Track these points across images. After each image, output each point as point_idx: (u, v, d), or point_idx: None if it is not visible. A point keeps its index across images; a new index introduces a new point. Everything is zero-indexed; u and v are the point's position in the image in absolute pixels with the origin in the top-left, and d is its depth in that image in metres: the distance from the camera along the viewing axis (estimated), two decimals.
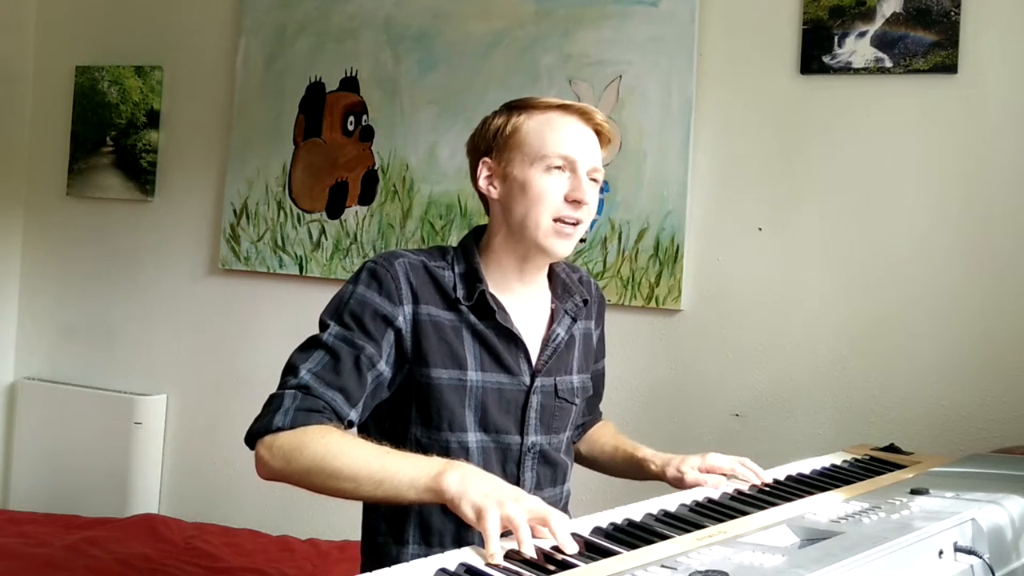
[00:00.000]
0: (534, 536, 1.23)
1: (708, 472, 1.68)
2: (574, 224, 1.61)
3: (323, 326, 1.57)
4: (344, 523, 2.99)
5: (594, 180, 1.63)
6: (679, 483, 1.68)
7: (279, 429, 1.44)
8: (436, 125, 3.00)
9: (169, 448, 3.42)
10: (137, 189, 3.49)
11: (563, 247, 1.62)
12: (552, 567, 1.18)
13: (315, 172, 3.18)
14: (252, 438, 1.48)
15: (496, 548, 1.20)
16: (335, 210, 3.14)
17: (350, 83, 3.14)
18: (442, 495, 1.32)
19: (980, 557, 1.27)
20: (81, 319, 3.59)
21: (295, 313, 3.22)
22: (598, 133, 1.65)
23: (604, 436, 1.92)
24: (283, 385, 1.51)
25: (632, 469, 1.82)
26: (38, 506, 3.39)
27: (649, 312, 2.72)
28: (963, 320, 2.43)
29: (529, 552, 1.20)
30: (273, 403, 1.48)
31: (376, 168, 3.09)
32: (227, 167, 3.32)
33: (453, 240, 2.95)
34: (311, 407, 1.47)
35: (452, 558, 1.19)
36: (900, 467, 1.86)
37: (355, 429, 1.57)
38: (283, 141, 3.23)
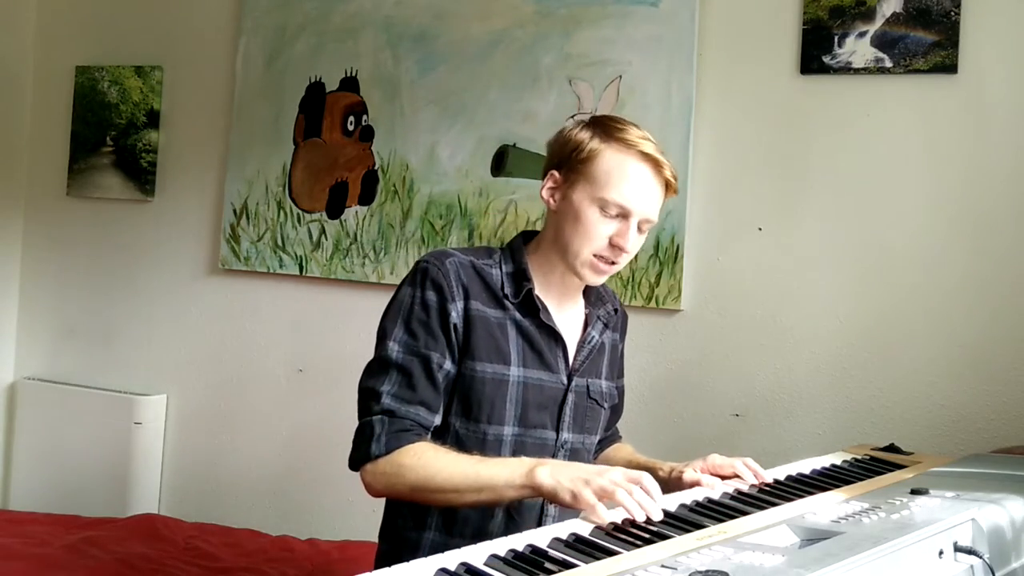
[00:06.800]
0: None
1: (708, 472, 1.68)
2: (611, 262, 1.67)
3: (387, 334, 1.64)
4: (344, 523, 2.99)
5: (642, 229, 1.67)
6: (677, 484, 1.69)
7: (377, 456, 1.56)
8: (436, 125, 3.00)
9: (169, 448, 3.42)
10: (137, 189, 3.49)
11: (596, 279, 1.71)
12: (553, 567, 1.18)
13: (315, 172, 3.18)
14: (354, 464, 1.61)
15: (602, 514, 1.35)
16: (335, 210, 3.15)
17: (350, 83, 3.14)
18: (539, 489, 1.46)
19: (980, 557, 1.27)
20: (81, 319, 3.59)
21: (295, 313, 3.23)
22: (666, 185, 1.68)
23: (621, 453, 1.94)
24: (368, 411, 1.61)
25: None
26: (38, 506, 3.39)
27: (649, 312, 2.72)
28: (963, 320, 2.43)
29: (636, 512, 1.35)
30: (365, 431, 1.59)
31: (376, 168, 3.09)
32: (227, 167, 3.32)
33: (453, 239, 2.95)
34: (400, 428, 1.58)
35: (452, 558, 1.19)
36: (900, 467, 1.86)
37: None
38: (283, 141, 3.23)
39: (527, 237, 1.79)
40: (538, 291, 1.70)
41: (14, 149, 3.68)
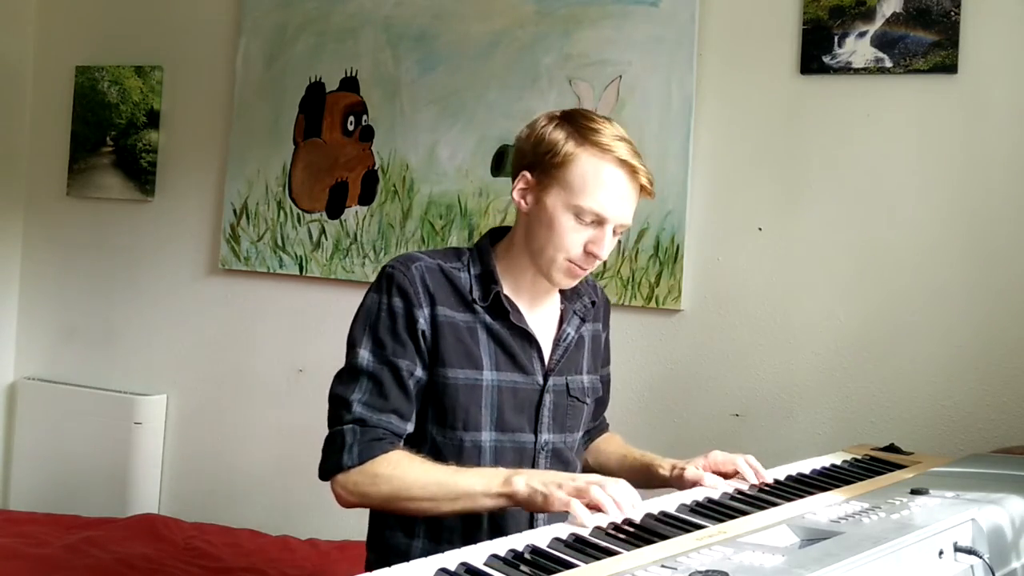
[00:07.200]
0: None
1: (710, 469, 1.67)
2: (583, 268, 1.66)
3: (356, 342, 1.62)
4: (344, 523, 2.98)
5: (616, 232, 1.65)
6: (679, 482, 1.68)
7: (349, 467, 1.55)
8: (436, 125, 3.00)
9: (169, 448, 3.42)
10: (137, 189, 3.49)
11: (568, 284, 1.69)
12: (553, 567, 1.18)
13: (315, 172, 3.18)
14: (325, 474, 1.59)
15: (578, 510, 1.35)
16: (335, 210, 3.14)
17: (350, 83, 3.14)
18: (515, 496, 1.47)
19: (980, 557, 1.27)
20: (81, 319, 3.59)
21: (295, 313, 3.23)
22: (640, 188, 1.64)
23: (612, 446, 1.92)
24: (339, 420, 1.59)
25: (641, 475, 1.80)
26: (38, 506, 3.39)
27: (649, 312, 2.72)
28: (963, 319, 2.43)
29: (611, 509, 1.36)
30: (336, 441, 1.57)
31: (376, 168, 3.09)
32: (227, 167, 3.32)
33: (453, 240, 2.95)
34: (372, 437, 1.56)
35: (452, 558, 1.19)
36: (900, 467, 1.86)
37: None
38: (283, 141, 3.23)
39: (495, 235, 1.75)
40: (508, 291, 1.67)
41: (14, 149, 3.68)
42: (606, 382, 1.91)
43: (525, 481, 1.46)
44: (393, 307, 1.61)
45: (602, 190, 1.59)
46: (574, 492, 1.39)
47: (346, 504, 1.59)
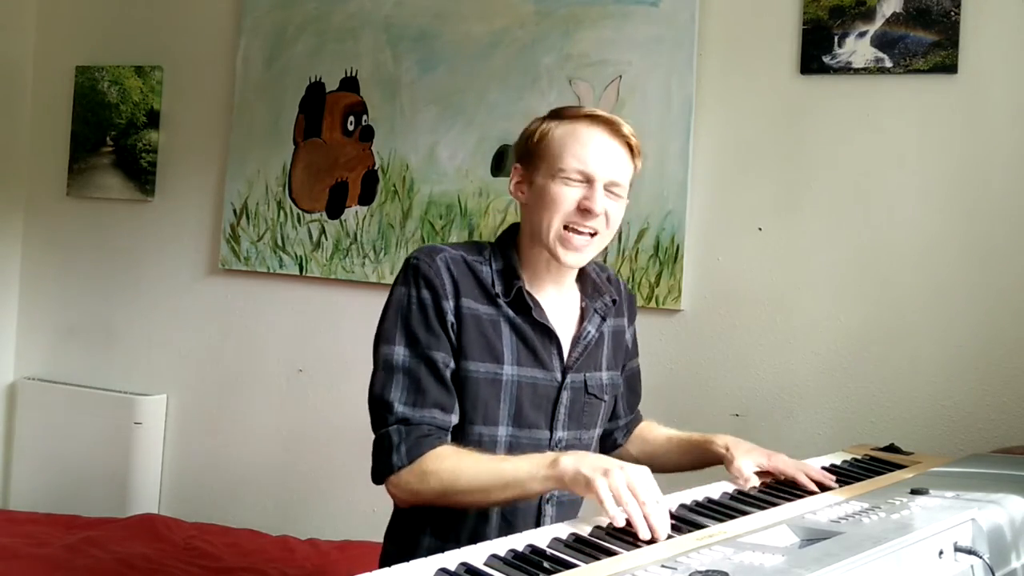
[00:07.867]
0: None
1: (772, 471, 1.72)
2: (588, 234, 1.64)
3: (388, 339, 1.62)
4: (344, 523, 2.99)
5: (613, 193, 1.64)
6: (728, 465, 1.72)
7: (400, 467, 1.55)
8: (436, 125, 3.00)
9: (169, 448, 3.42)
10: (137, 189, 3.48)
11: (573, 257, 1.66)
12: (553, 567, 1.18)
13: (315, 172, 3.18)
14: (378, 477, 1.60)
15: (610, 507, 1.33)
16: (335, 210, 3.14)
17: (350, 83, 3.14)
18: (561, 478, 1.43)
19: (980, 557, 1.27)
20: (81, 319, 3.59)
21: (295, 313, 3.23)
22: (628, 146, 1.66)
23: (655, 431, 1.95)
24: (383, 422, 1.59)
25: (693, 454, 1.84)
26: (38, 506, 3.39)
27: (649, 312, 2.71)
28: (964, 320, 2.43)
29: (642, 530, 1.29)
30: (383, 443, 1.58)
31: (376, 168, 3.09)
32: (227, 167, 3.32)
33: (453, 240, 2.95)
34: (418, 435, 1.56)
35: (452, 558, 1.19)
36: (900, 467, 1.86)
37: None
38: (283, 141, 3.23)
39: (514, 231, 1.75)
40: (530, 286, 1.68)
41: (14, 149, 3.68)
42: (636, 374, 1.94)
43: (573, 463, 1.43)
44: (423, 299, 1.61)
45: (580, 147, 1.62)
46: (615, 491, 1.34)
47: (402, 503, 1.62)
